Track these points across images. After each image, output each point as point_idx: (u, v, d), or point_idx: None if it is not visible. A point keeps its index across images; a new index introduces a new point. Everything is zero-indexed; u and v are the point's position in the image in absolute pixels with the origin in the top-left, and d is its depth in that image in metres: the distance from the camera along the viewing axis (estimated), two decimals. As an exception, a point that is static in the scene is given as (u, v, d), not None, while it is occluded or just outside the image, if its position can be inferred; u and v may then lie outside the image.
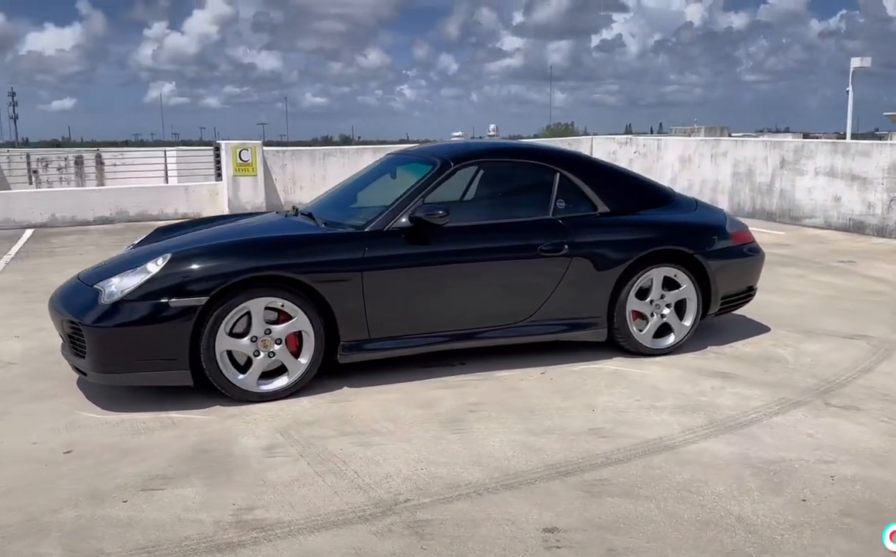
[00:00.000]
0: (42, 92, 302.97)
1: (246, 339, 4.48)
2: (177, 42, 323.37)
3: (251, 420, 4.27)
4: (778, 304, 6.83)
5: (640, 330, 5.33)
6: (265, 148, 14.55)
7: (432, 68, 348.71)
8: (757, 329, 6.04)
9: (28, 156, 21.92)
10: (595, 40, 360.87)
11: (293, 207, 5.79)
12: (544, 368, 5.10)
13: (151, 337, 4.33)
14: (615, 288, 5.21)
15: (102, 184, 20.83)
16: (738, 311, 6.22)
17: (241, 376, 4.49)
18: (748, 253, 5.72)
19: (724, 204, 13.23)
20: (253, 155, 13.82)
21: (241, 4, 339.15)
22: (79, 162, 22.79)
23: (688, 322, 5.44)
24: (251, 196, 13.83)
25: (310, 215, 5.30)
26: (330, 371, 4.81)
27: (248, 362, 4.52)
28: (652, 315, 5.35)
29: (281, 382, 4.59)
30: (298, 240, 4.74)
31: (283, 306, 4.51)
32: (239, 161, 13.74)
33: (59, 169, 22.71)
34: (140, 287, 4.34)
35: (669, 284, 5.36)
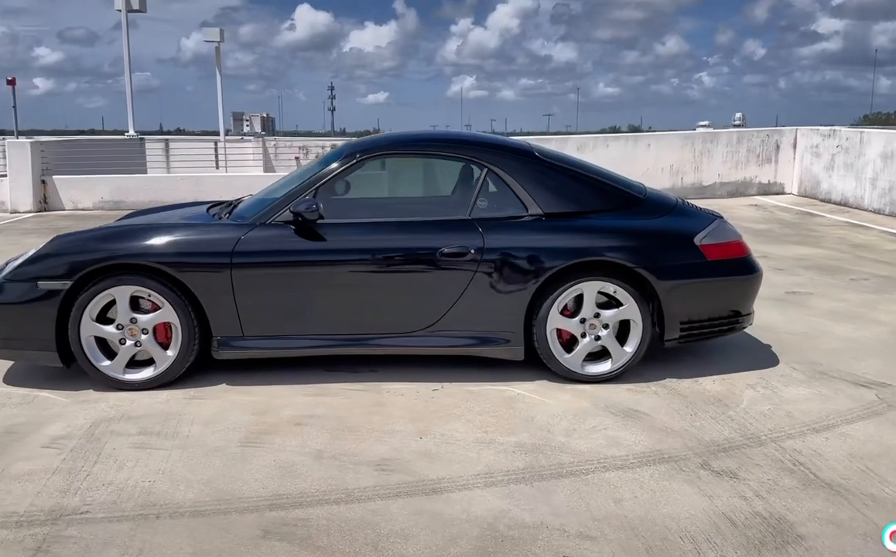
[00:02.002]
0: (360, 86, 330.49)
1: (112, 326, 4.49)
2: (480, 37, 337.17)
3: (87, 408, 4.29)
4: (832, 335, 5.61)
5: (569, 352, 4.62)
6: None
7: (735, 54, 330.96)
8: (760, 362, 5.00)
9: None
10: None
11: (250, 195, 5.70)
12: (443, 384, 4.60)
13: (23, 317, 4.48)
14: (533, 301, 4.55)
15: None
16: (766, 337, 5.28)
17: (105, 363, 4.52)
18: (729, 271, 4.73)
19: (924, 210, 11.16)
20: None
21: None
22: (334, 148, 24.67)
23: (630, 347, 4.62)
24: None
25: (231, 205, 5.20)
26: (241, 364, 4.73)
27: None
28: (584, 335, 4.61)
29: (147, 373, 4.56)
30: (167, 229, 4.66)
31: (150, 296, 4.47)
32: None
33: (317, 155, 24.78)
34: (19, 267, 4.51)
35: (612, 302, 4.59)
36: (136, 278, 4.45)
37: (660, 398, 4.41)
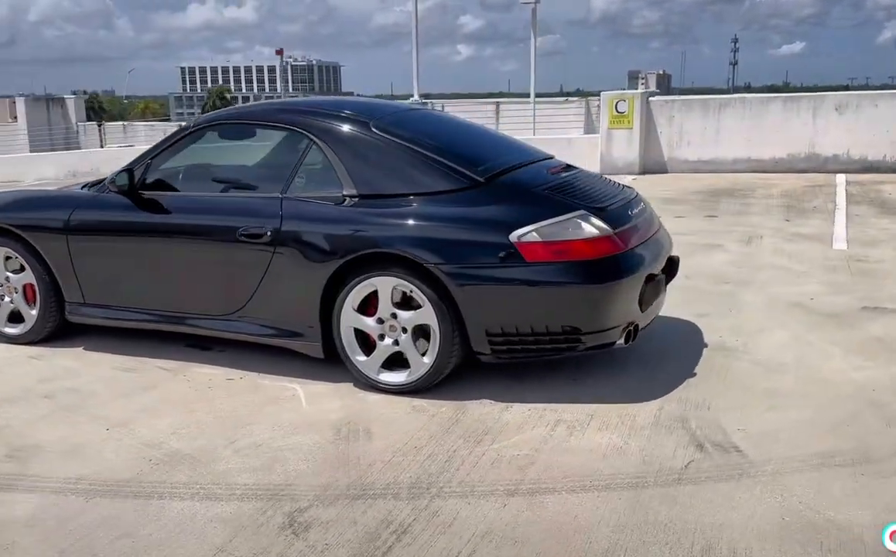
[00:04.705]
0: (773, 36, 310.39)
1: (-7, 284, 4.92)
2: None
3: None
4: (808, 370, 4.22)
5: (367, 356, 4.06)
6: (653, 98, 13.34)
7: None
8: (635, 394, 3.92)
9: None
10: None
11: None
12: (245, 374, 4.34)
13: None
14: (330, 294, 4.07)
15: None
16: (711, 365, 4.31)
17: (-13, 317, 4.97)
18: (557, 277, 3.76)
19: None
20: (630, 106, 12.85)
21: None
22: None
23: (427, 358, 3.92)
24: (624, 151, 12.91)
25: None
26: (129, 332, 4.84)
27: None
28: (382, 337, 4.01)
29: (18, 329, 4.91)
30: (27, 196, 4.93)
31: (16, 257, 4.81)
32: (615, 112, 12.95)
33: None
34: None
35: (411, 302, 3.94)
36: (4, 240, 4.79)
37: (427, 421, 3.69)
